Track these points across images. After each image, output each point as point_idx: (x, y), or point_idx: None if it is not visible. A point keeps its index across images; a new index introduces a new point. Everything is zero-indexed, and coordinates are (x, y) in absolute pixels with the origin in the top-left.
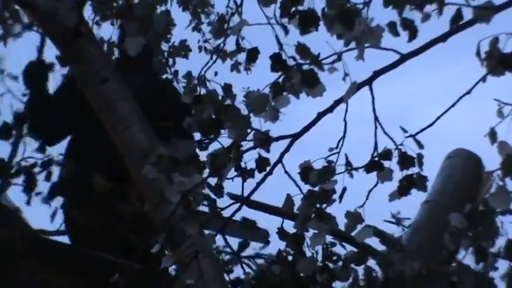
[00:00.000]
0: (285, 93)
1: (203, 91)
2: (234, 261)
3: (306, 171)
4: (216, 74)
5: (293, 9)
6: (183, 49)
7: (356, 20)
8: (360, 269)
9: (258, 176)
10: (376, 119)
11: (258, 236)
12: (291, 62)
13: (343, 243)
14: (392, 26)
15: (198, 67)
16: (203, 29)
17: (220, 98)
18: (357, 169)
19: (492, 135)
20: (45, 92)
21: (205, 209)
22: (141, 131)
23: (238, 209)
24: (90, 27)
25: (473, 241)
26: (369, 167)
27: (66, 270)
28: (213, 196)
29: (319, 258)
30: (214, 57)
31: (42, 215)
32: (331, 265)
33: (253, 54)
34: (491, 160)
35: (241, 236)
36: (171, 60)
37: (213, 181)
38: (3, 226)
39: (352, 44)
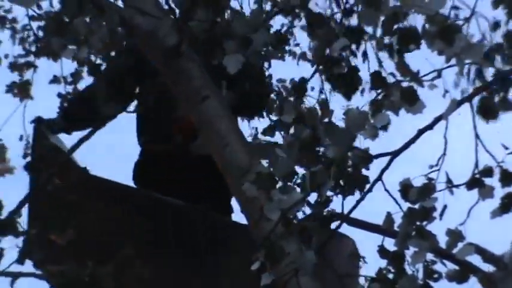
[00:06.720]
0: (384, 110)
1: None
2: None
3: (406, 188)
4: (312, 89)
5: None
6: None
7: (456, 36)
8: None
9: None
10: (477, 136)
11: None
12: (390, 79)
13: (444, 261)
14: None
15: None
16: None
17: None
18: (457, 186)
19: None
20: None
21: None
22: (240, 148)
23: (339, 227)
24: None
25: None
26: (469, 184)
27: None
28: None
29: (420, 276)
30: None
31: None
32: (432, 283)
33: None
34: None
35: None
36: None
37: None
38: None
39: (453, 61)
